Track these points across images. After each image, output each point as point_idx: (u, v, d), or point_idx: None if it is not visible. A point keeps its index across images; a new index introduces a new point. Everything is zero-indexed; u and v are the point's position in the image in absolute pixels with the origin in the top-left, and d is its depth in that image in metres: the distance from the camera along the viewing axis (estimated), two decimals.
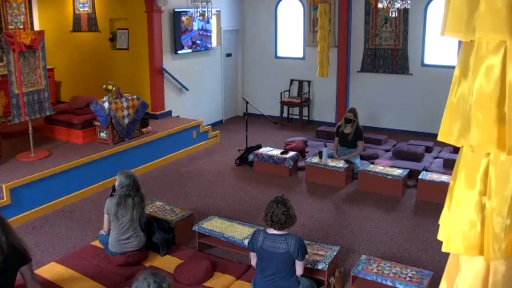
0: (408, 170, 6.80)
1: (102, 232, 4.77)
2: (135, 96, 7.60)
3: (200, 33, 9.62)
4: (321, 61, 9.02)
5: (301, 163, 7.53)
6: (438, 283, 1.76)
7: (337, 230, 5.57)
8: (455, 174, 1.52)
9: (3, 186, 5.65)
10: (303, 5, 10.39)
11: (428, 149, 8.02)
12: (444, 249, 1.53)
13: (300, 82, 10.59)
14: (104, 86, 7.22)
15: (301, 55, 10.63)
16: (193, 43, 9.51)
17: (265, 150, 7.70)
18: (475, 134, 1.39)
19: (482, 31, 1.34)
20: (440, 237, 1.58)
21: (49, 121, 7.57)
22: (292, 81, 10.69)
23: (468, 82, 1.41)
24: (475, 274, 1.52)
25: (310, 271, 4.19)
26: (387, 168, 6.86)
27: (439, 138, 1.52)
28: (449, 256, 1.65)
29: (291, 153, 7.51)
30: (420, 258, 4.92)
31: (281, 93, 10.49)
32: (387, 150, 8.23)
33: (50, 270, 4.47)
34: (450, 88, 1.48)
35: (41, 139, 7.37)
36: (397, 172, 6.66)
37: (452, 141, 1.47)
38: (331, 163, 7.03)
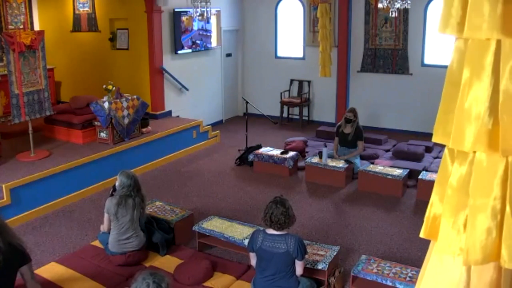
0: (408, 170, 6.80)
1: (102, 229, 4.75)
2: (135, 96, 7.60)
3: (200, 33, 9.62)
4: (323, 61, 9.01)
5: (301, 163, 7.53)
6: None
7: (337, 230, 5.57)
8: (461, 184, 1.46)
9: (3, 186, 5.65)
10: (303, 5, 10.39)
11: (428, 149, 8.02)
12: (464, 264, 1.47)
13: (300, 82, 10.59)
14: (104, 86, 7.22)
15: (301, 55, 10.63)
16: (193, 43, 9.51)
17: (265, 150, 7.70)
18: (504, 138, 1.34)
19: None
20: (448, 252, 1.50)
21: (49, 121, 7.57)
22: (292, 81, 10.69)
23: (483, 84, 1.36)
24: (487, 278, 1.50)
25: (310, 271, 4.19)
26: (387, 168, 6.86)
27: (452, 146, 1.45)
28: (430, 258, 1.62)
29: (291, 153, 7.51)
30: (420, 258, 4.90)
31: (281, 93, 10.49)
32: (387, 150, 8.23)
33: (50, 270, 4.47)
34: (460, 92, 1.43)
35: (41, 139, 7.36)
36: (397, 172, 6.66)
37: (466, 147, 1.41)
38: (331, 163, 7.03)
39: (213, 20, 9.79)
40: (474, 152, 1.42)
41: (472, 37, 1.37)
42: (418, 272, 4.09)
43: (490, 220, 1.41)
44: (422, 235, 1.61)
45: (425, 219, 1.60)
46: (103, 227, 4.71)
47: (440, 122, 1.49)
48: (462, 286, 1.52)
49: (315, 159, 7.17)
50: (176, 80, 9.24)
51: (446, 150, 1.53)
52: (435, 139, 1.52)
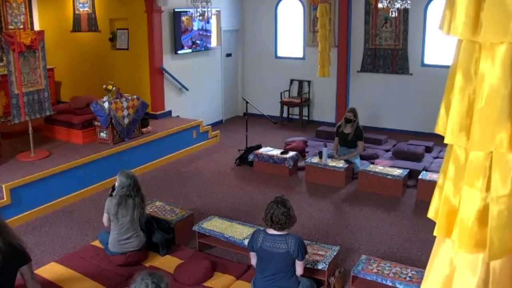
0: (408, 170, 6.80)
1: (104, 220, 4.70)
2: (135, 96, 7.60)
3: (200, 33, 9.62)
4: (322, 61, 9.02)
5: (301, 163, 7.53)
6: None
7: (337, 230, 5.57)
8: (477, 180, 1.48)
9: (3, 186, 5.65)
10: (303, 5, 10.39)
11: (428, 149, 8.02)
12: (487, 259, 1.50)
13: (300, 82, 10.59)
14: (104, 86, 7.22)
15: (301, 55, 10.63)
16: (193, 43, 9.51)
17: (265, 150, 7.69)
18: None
19: None
20: (468, 249, 1.52)
21: (49, 121, 7.57)
22: (292, 81, 10.69)
23: (499, 85, 1.38)
24: (505, 270, 1.52)
25: (310, 271, 4.19)
26: (387, 168, 6.86)
27: (473, 149, 1.47)
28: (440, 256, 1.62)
29: (291, 153, 7.51)
30: (420, 258, 4.91)
31: (281, 93, 10.49)
32: (387, 150, 8.23)
33: (50, 270, 4.47)
34: (476, 95, 1.43)
35: (41, 139, 7.36)
36: (397, 172, 6.66)
37: (487, 148, 1.43)
38: (331, 163, 7.03)
39: (213, 20, 9.79)
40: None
41: (487, 40, 1.39)
42: (418, 272, 4.09)
43: (506, 215, 1.44)
44: (436, 233, 1.62)
45: (438, 217, 1.61)
46: (105, 224, 4.69)
47: (452, 124, 1.50)
48: (480, 280, 1.54)
49: (315, 159, 7.17)
50: (176, 80, 9.24)
51: (455, 147, 1.53)
52: (448, 140, 1.53)
